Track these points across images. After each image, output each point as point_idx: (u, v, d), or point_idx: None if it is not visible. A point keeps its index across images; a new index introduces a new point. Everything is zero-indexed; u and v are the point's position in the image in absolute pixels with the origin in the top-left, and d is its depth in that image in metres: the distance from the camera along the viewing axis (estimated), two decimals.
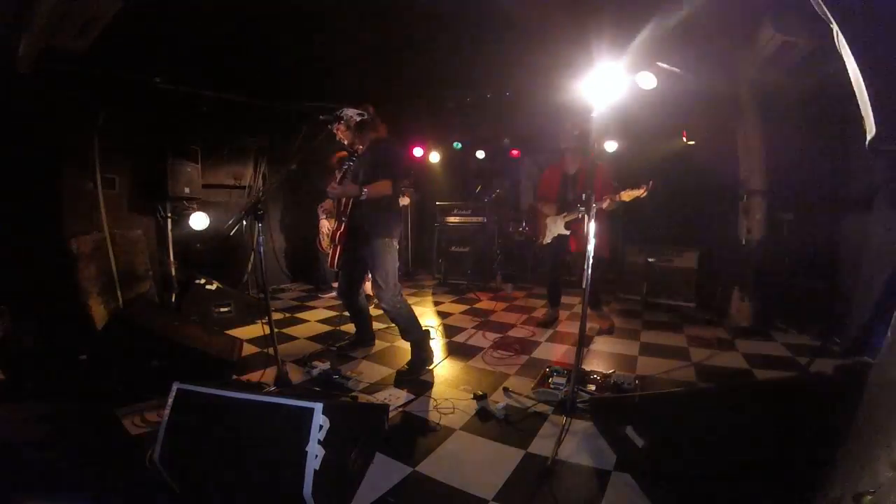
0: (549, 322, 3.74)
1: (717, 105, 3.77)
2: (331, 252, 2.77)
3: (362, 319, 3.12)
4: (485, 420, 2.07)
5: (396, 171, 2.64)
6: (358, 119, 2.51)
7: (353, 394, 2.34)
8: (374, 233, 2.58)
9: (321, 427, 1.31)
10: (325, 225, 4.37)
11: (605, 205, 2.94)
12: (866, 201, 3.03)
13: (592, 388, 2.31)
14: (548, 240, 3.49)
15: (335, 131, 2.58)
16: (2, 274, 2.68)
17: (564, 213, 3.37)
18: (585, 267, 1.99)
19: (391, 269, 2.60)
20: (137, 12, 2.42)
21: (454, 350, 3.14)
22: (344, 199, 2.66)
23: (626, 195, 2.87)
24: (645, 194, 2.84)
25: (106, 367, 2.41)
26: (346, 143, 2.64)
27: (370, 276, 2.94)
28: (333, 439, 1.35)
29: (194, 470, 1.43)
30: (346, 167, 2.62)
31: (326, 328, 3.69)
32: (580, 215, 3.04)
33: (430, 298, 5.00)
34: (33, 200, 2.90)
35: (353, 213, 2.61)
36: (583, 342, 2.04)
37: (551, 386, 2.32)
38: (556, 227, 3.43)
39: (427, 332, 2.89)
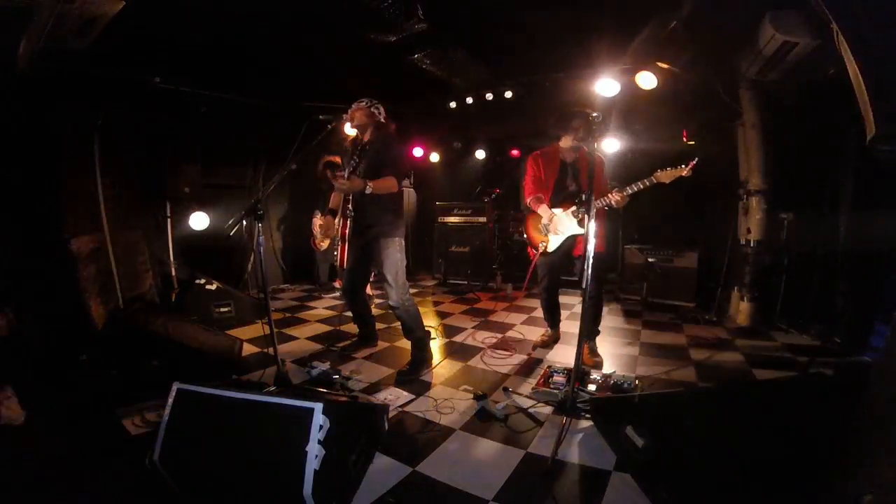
0: (549, 344, 3.24)
1: (717, 105, 3.77)
2: (339, 251, 2.73)
3: (365, 319, 3.14)
4: (485, 420, 2.07)
5: (401, 169, 2.65)
6: (382, 116, 2.63)
7: (353, 394, 2.33)
8: (385, 233, 2.62)
9: (321, 427, 1.31)
10: (317, 224, 4.34)
11: (615, 200, 2.52)
12: (866, 201, 3.03)
13: (592, 388, 2.31)
14: (554, 245, 2.85)
15: (354, 112, 2.60)
16: (2, 274, 2.68)
17: (574, 209, 2.75)
18: (585, 267, 1.98)
19: (401, 268, 2.65)
20: (137, 12, 2.42)
21: (454, 350, 3.14)
22: (348, 196, 2.64)
23: (666, 175, 2.43)
24: (688, 174, 2.40)
25: (106, 367, 2.41)
26: (355, 126, 2.64)
27: (374, 276, 2.94)
28: (333, 439, 1.35)
29: (194, 470, 1.43)
30: (353, 163, 2.62)
31: (326, 328, 3.69)
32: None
33: (430, 298, 5.00)
34: (33, 200, 2.90)
35: (360, 213, 2.62)
36: (582, 342, 2.03)
37: (551, 386, 2.32)
38: (565, 227, 2.80)
39: (428, 332, 2.90)
